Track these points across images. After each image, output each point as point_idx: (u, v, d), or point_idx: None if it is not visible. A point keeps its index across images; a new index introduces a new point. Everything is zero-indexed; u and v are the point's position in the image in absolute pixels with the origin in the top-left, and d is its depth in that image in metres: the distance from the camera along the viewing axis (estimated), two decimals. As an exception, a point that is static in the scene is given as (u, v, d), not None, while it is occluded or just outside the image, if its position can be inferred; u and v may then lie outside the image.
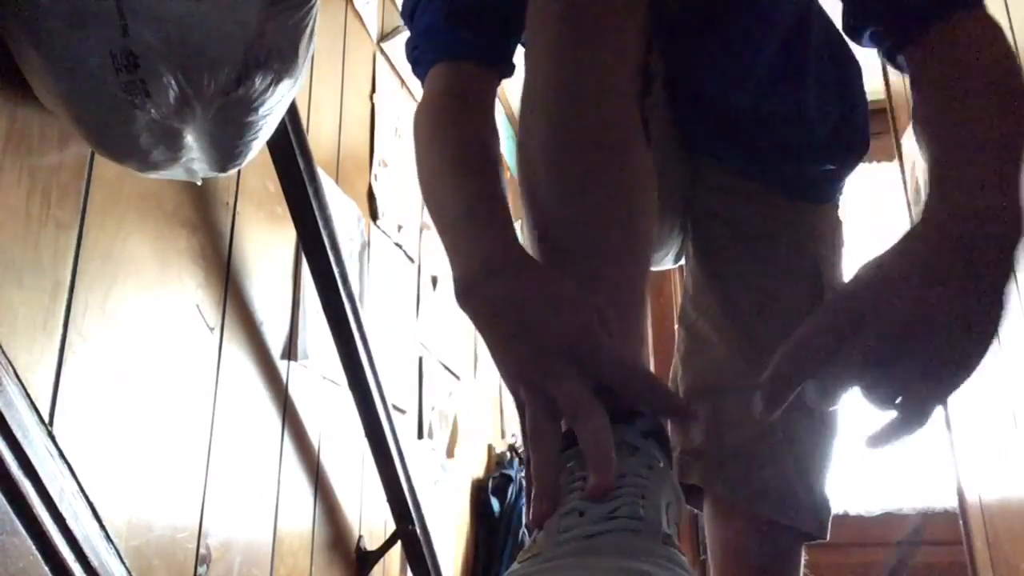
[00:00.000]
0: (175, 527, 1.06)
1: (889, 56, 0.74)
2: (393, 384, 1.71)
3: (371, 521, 1.65)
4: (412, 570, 1.65)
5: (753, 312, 0.89)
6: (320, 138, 1.59)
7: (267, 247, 1.37)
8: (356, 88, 1.80)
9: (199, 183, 1.04)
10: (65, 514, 0.81)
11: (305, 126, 1.41)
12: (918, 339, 0.55)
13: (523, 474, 2.44)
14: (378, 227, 1.82)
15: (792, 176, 0.93)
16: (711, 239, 0.94)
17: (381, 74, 1.94)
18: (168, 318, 1.09)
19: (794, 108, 0.88)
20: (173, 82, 0.84)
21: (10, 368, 0.78)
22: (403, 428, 1.70)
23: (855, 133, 0.94)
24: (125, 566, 0.89)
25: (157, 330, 1.06)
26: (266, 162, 1.32)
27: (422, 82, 0.83)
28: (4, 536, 0.75)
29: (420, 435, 1.91)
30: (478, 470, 2.37)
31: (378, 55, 1.94)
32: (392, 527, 1.60)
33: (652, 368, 0.66)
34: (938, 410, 0.58)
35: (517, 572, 0.51)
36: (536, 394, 0.55)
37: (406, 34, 0.85)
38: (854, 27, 0.75)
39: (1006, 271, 0.57)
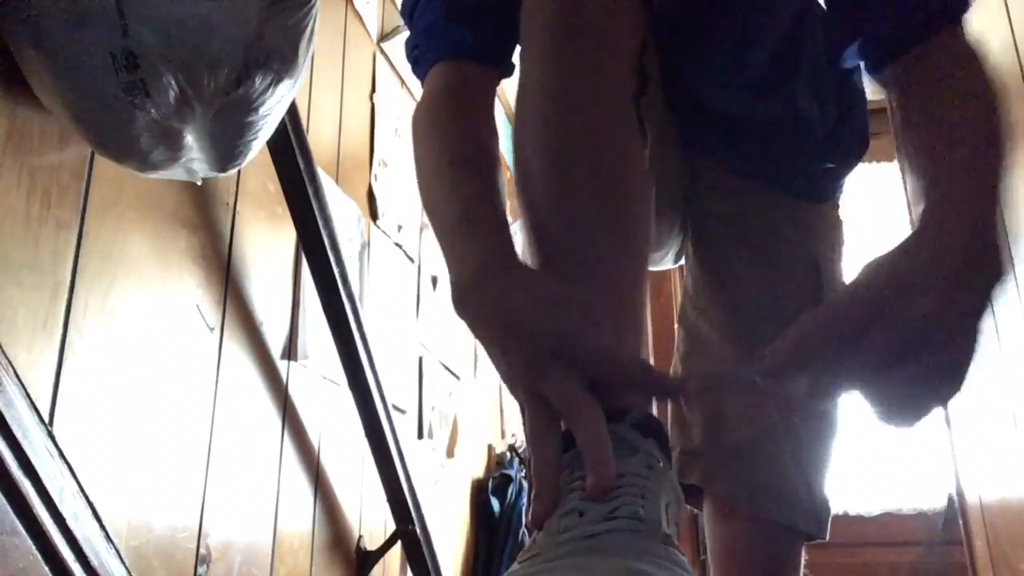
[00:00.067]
0: (175, 527, 1.06)
1: (872, 71, 0.74)
2: (393, 384, 1.71)
3: (371, 521, 1.65)
4: (412, 570, 1.65)
5: (753, 311, 0.89)
6: (320, 138, 1.59)
7: (267, 247, 1.37)
8: (356, 88, 1.80)
9: (199, 183, 1.04)
10: (65, 514, 0.81)
11: (305, 126, 1.41)
12: (919, 346, 0.55)
13: (523, 474, 2.44)
14: (378, 227, 1.82)
15: (792, 175, 0.93)
16: (710, 239, 0.94)
17: (381, 74, 1.94)
18: (168, 318, 1.09)
19: (792, 109, 0.88)
20: (173, 82, 0.84)
21: (10, 368, 0.78)
22: (403, 428, 1.70)
23: (854, 133, 0.94)
24: (125, 566, 0.89)
25: (157, 330, 1.06)
26: (266, 162, 1.32)
27: (422, 82, 0.83)
28: (4, 536, 0.75)
29: (420, 435, 1.91)
30: (478, 470, 2.37)
31: (378, 55, 1.94)
32: (392, 527, 1.60)
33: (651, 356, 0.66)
34: (929, 415, 0.58)
35: (517, 572, 0.51)
36: (532, 396, 0.55)
37: (406, 34, 0.85)
38: (839, 39, 0.76)
39: (985, 307, 0.58)
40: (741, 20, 0.87)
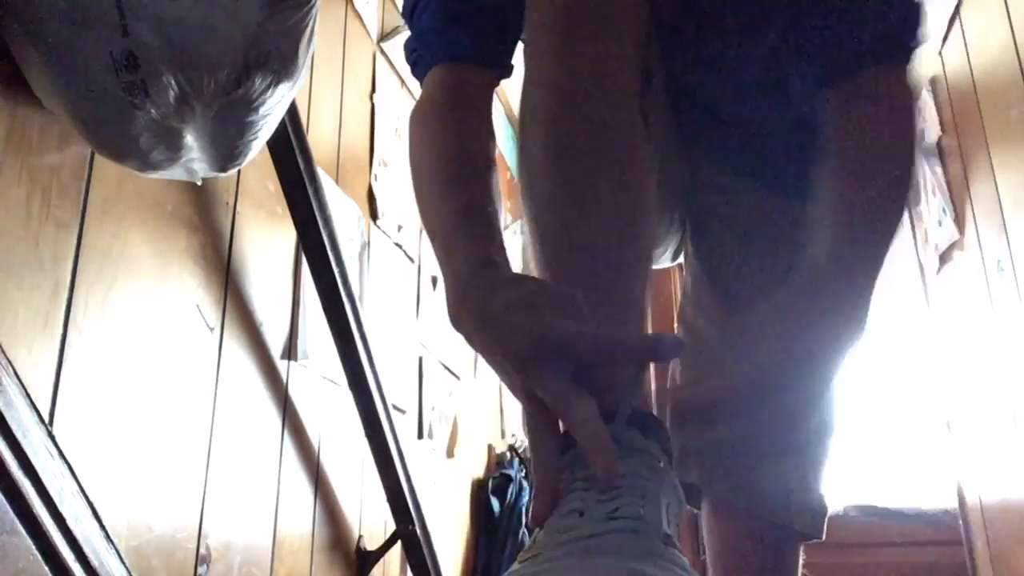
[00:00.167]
0: (175, 527, 1.06)
1: (811, 90, 0.75)
2: (393, 384, 1.71)
3: (371, 521, 1.65)
4: (412, 570, 1.65)
5: (752, 310, 0.89)
6: (320, 138, 1.59)
7: (267, 247, 1.37)
8: (356, 88, 1.80)
9: (199, 183, 1.04)
10: (65, 514, 0.81)
11: (305, 126, 1.41)
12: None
13: (523, 474, 2.44)
14: (378, 227, 1.82)
15: (792, 175, 0.93)
16: (710, 238, 0.95)
17: (381, 74, 1.94)
18: (168, 318, 1.09)
19: (791, 109, 0.88)
20: (173, 82, 0.84)
21: (10, 368, 0.78)
22: (403, 428, 1.70)
23: None
24: (125, 566, 0.89)
25: (157, 330, 1.06)
26: (266, 162, 1.32)
27: (421, 83, 0.83)
28: (4, 536, 0.75)
29: (420, 435, 1.91)
30: (478, 470, 2.37)
31: (378, 55, 1.94)
32: (392, 527, 1.60)
33: (652, 368, 0.66)
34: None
35: (517, 572, 0.51)
36: (528, 398, 0.56)
37: (406, 34, 0.85)
38: (787, 57, 0.76)
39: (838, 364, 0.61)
40: (742, 19, 0.87)
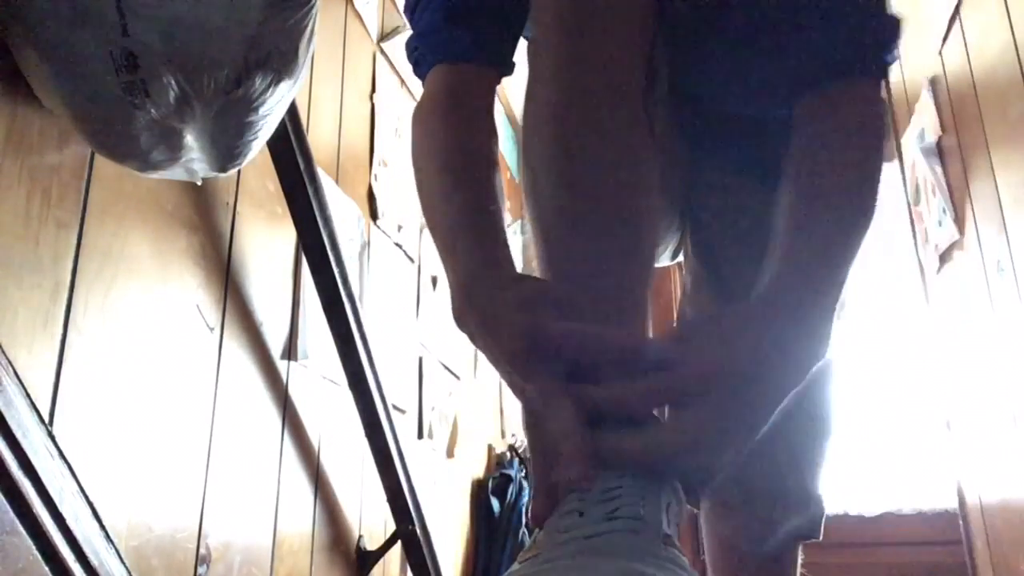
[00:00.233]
0: (175, 527, 1.06)
1: (785, 106, 0.75)
2: (393, 384, 1.71)
3: (371, 521, 1.65)
4: (412, 570, 1.65)
5: None
6: (320, 138, 1.59)
7: (267, 247, 1.37)
8: (356, 88, 1.80)
9: (199, 183, 1.04)
10: (65, 514, 0.81)
11: (305, 126, 1.41)
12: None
13: (523, 474, 2.44)
14: (378, 227, 1.82)
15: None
16: (710, 238, 0.95)
17: (381, 74, 1.94)
18: (168, 318, 1.09)
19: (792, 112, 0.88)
20: (173, 82, 0.84)
21: (10, 368, 0.78)
22: (403, 428, 1.70)
23: None
24: (125, 566, 0.89)
25: (157, 330, 1.06)
26: (266, 162, 1.32)
27: (423, 82, 0.83)
28: (4, 536, 0.75)
29: (420, 435, 1.91)
30: (478, 470, 2.37)
31: (378, 55, 1.94)
32: (392, 527, 1.60)
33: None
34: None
35: (517, 572, 0.51)
36: (526, 397, 0.56)
37: (406, 34, 0.85)
38: (776, 63, 0.76)
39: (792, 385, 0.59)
40: (745, 20, 0.87)
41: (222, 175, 1.01)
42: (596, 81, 0.64)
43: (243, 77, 0.88)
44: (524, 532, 2.30)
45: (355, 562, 1.56)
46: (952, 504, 2.42)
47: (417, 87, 0.84)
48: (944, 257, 2.23)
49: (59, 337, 0.89)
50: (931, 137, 2.23)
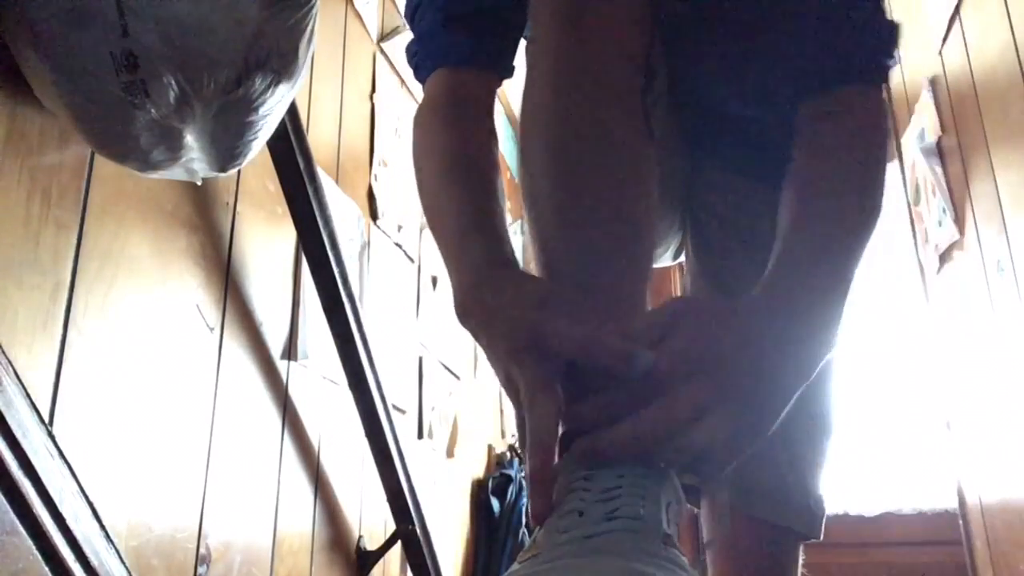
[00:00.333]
0: (175, 527, 1.06)
1: (783, 104, 0.75)
2: (393, 384, 1.72)
3: (371, 521, 1.65)
4: (412, 570, 1.65)
5: None
6: (320, 138, 1.59)
7: (267, 247, 1.37)
8: (356, 88, 1.80)
9: (199, 183, 1.04)
10: (65, 514, 0.81)
11: (305, 126, 1.41)
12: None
13: (523, 474, 2.44)
14: (378, 227, 1.82)
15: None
16: (710, 238, 0.94)
17: (381, 74, 1.94)
18: (168, 318, 1.09)
19: (794, 112, 0.88)
20: (173, 82, 0.84)
21: (10, 368, 0.78)
22: (403, 428, 1.70)
23: None
24: (125, 566, 0.89)
25: (157, 330, 1.06)
26: (266, 162, 1.32)
27: (423, 86, 0.83)
28: (4, 536, 0.75)
29: (420, 435, 1.91)
30: (478, 470, 2.37)
31: (378, 55, 1.94)
32: (392, 527, 1.60)
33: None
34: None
35: (517, 572, 0.51)
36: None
37: (406, 34, 0.86)
38: (778, 66, 0.76)
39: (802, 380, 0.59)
40: (744, 22, 0.87)
41: (222, 175, 1.01)
42: (593, 82, 0.64)
43: (243, 77, 0.88)
44: (524, 532, 2.30)
45: (355, 562, 1.56)
46: (952, 504, 2.42)
47: (417, 87, 0.85)
48: (944, 257, 2.23)
49: (59, 337, 0.89)
50: (931, 137, 2.23)
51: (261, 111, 0.94)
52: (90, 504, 0.85)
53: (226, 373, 1.20)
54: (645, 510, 0.51)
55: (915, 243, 2.49)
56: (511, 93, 2.76)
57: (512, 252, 0.66)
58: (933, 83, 2.21)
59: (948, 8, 2.02)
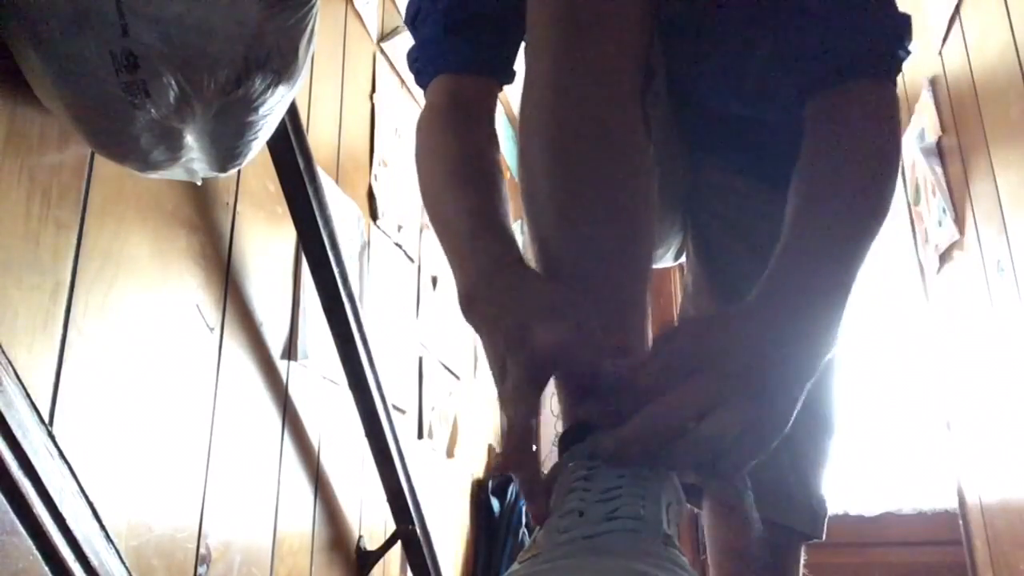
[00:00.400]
0: (175, 527, 1.06)
1: (786, 103, 0.74)
2: (393, 384, 1.71)
3: (371, 521, 1.65)
4: (412, 570, 1.65)
5: None
6: (320, 138, 1.59)
7: (267, 247, 1.37)
8: (356, 88, 1.80)
9: (199, 183, 1.04)
10: (65, 514, 0.81)
11: (305, 126, 1.41)
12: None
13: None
14: (378, 227, 1.82)
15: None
16: (712, 238, 0.94)
17: (381, 74, 1.94)
18: (168, 318, 1.09)
19: (793, 112, 0.88)
20: (173, 82, 0.84)
21: (10, 368, 0.78)
22: (403, 428, 1.70)
23: None
24: (125, 566, 0.89)
25: (157, 330, 1.06)
26: (266, 162, 1.32)
27: (424, 91, 0.84)
28: (4, 536, 0.75)
29: (420, 435, 1.91)
30: (478, 470, 2.37)
31: (378, 55, 1.94)
32: (392, 527, 1.60)
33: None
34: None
35: (517, 572, 0.51)
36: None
37: (406, 34, 0.86)
38: (781, 63, 0.76)
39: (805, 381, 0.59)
40: (744, 21, 0.87)
41: (222, 175, 1.01)
42: (593, 82, 0.64)
43: (243, 77, 0.88)
44: (524, 532, 2.30)
45: (355, 562, 1.56)
46: (952, 504, 2.42)
47: (417, 88, 0.85)
48: (944, 257, 2.23)
49: (59, 337, 0.89)
50: (931, 137, 2.23)
51: (261, 111, 0.94)
52: (90, 504, 0.85)
53: (226, 373, 1.20)
54: (645, 510, 0.51)
55: (915, 243, 2.49)
56: (511, 94, 2.76)
57: (519, 250, 0.66)
58: (933, 83, 2.21)
59: (948, 8, 2.02)
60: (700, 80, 0.88)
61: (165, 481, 1.05)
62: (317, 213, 1.36)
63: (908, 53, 0.73)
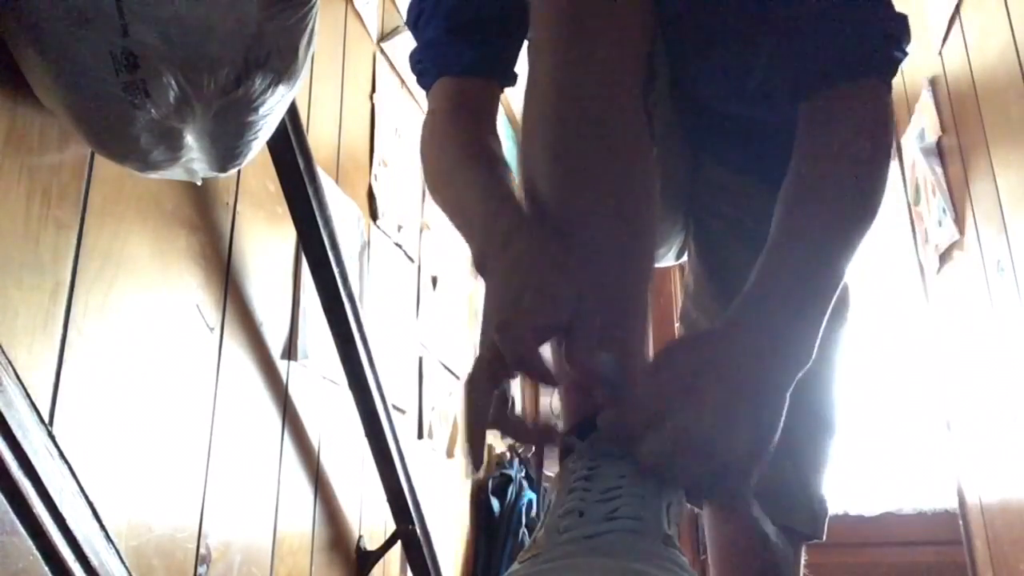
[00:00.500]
0: (175, 527, 1.06)
1: (785, 103, 0.74)
2: (393, 384, 1.71)
3: (371, 521, 1.65)
4: (412, 570, 1.65)
5: None
6: (320, 138, 1.59)
7: (267, 247, 1.37)
8: (356, 88, 1.80)
9: (199, 183, 1.03)
10: (65, 514, 0.81)
11: (305, 126, 1.41)
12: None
13: (523, 474, 2.44)
14: (378, 227, 1.82)
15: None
16: (713, 238, 0.94)
17: (381, 74, 1.94)
18: (168, 318, 1.09)
19: (794, 112, 0.88)
20: (173, 82, 0.84)
21: (10, 368, 0.78)
22: (403, 428, 1.70)
23: None
24: (125, 566, 0.89)
25: (157, 330, 1.06)
26: (266, 162, 1.32)
27: (427, 92, 0.84)
28: (4, 536, 0.75)
29: (420, 435, 1.91)
30: (478, 470, 2.37)
31: (378, 55, 1.94)
32: (392, 527, 1.60)
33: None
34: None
35: (517, 572, 0.51)
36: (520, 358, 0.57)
37: (406, 34, 0.87)
38: (782, 64, 0.76)
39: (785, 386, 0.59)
40: (745, 21, 0.87)
41: (222, 175, 1.01)
42: (595, 82, 0.64)
43: (243, 77, 0.88)
44: (524, 532, 2.30)
45: (355, 562, 1.56)
46: (952, 504, 2.42)
47: (417, 88, 0.86)
48: (944, 257, 2.23)
49: (59, 337, 0.89)
50: (931, 137, 2.23)
51: (261, 111, 0.94)
52: (90, 504, 0.85)
53: (226, 373, 1.20)
54: (645, 510, 0.51)
55: (915, 243, 2.49)
56: (512, 95, 2.75)
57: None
58: (933, 83, 2.21)
59: (948, 8, 2.02)
60: (702, 80, 0.87)
61: (165, 481, 1.05)
62: (317, 213, 1.36)
63: (905, 55, 0.73)
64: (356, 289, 1.49)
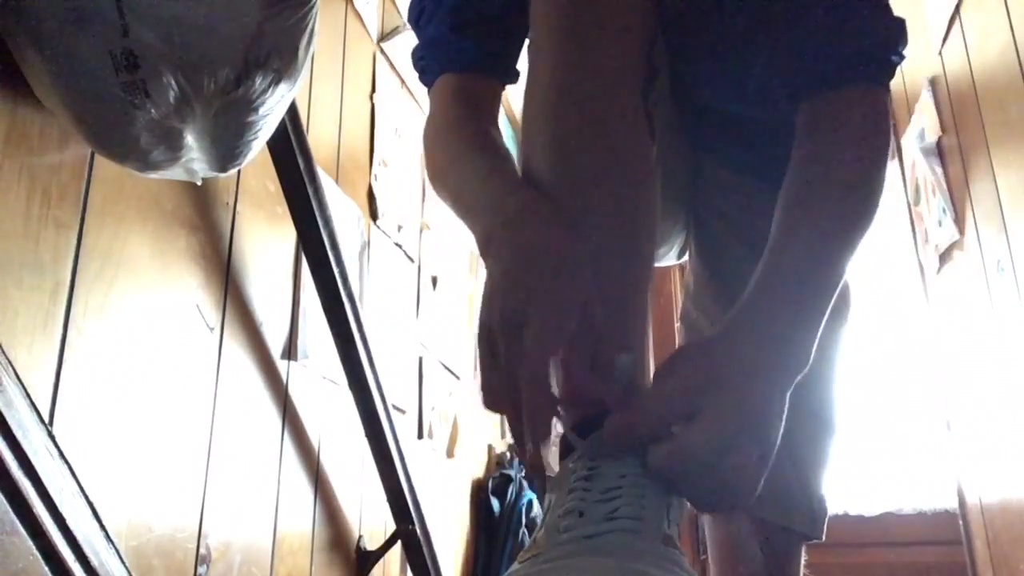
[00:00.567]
0: (175, 527, 1.06)
1: (784, 105, 0.74)
2: (393, 384, 1.71)
3: (371, 521, 1.65)
4: (412, 570, 1.65)
5: None
6: (320, 138, 1.59)
7: (267, 247, 1.37)
8: (356, 88, 1.80)
9: (199, 183, 1.03)
10: (65, 514, 0.81)
11: (305, 126, 1.41)
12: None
13: (523, 474, 2.44)
14: (378, 227, 1.82)
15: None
16: (714, 237, 0.94)
17: (381, 74, 1.94)
18: (168, 318, 1.09)
19: (795, 112, 0.88)
20: (173, 82, 0.84)
21: (10, 368, 0.78)
22: (403, 428, 1.70)
23: None
24: (125, 566, 0.89)
25: (157, 330, 1.06)
26: (266, 162, 1.32)
27: (429, 89, 0.84)
28: (4, 536, 0.75)
29: (420, 435, 1.91)
30: (478, 470, 2.37)
31: (378, 55, 1.94)
32: (392, 527, 1.60)
33: (652, 367, 0.66)
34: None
35: (517, 572, 0.51)
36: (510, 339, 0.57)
37: (406, 34, 0.87)
38: (780, 65, 0.76)
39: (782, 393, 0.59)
40: (746, 22, 0.87)
41: (222, 175, 1.01)
42: (595, 82, 0.64)
43: (243, 77, 0.88)
44: (524, 532, 2.30)
45: (355, 562, 1.56)
46: (952, 504, 2.42)
47: (417, 87, 0.86)
48: (944, 257, 2.23)
49: (59, 337, 0.89)
50: (931, 137, 2.23)
51: (261, 111, 0.94)
52: (90, 504, 0.85)
53: (226, 373, 1.20)
54: (646, 510, 0.51)
55: (915, 243, 2.49)
56: (512, 94, 2.76)
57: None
58: (933, 83, 2.21)
59: (948, 8, 2.02)
60: (702, 81, 0.88)
61: (165, 481, 1.05)
62: (317, 213, 1.36)
63: (902, 58, 0.73)
64: (356, 289, 1.49)
